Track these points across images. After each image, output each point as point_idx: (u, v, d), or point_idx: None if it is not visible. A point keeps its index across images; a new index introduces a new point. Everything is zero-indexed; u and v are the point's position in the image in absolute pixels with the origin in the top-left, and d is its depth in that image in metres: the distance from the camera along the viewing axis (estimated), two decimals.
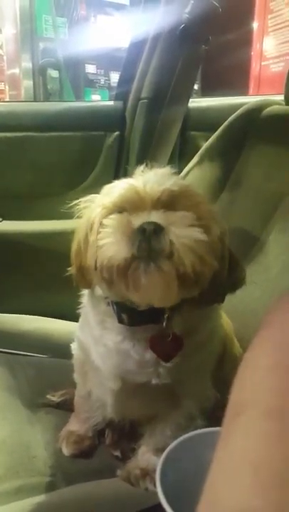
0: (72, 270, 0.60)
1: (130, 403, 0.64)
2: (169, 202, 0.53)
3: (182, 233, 0.50)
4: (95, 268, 0.53)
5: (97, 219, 0.55)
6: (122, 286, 0.51)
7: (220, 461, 0.27)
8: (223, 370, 0.66)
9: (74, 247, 0.59)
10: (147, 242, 0.49)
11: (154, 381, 0.59)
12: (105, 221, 0.53)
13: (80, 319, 0.67)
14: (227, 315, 0.77)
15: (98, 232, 0.53)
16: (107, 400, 0.65)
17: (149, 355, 0.58)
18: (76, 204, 0.61)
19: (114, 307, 0.58)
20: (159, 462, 0.47)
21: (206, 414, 0.63)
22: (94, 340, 0.63)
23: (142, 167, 0.58)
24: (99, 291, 0.60)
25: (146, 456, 0.65)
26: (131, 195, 0.53)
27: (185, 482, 0.46)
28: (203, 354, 0.61)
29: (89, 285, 0.59)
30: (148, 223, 0.50)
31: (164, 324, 0.56)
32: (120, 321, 0.58)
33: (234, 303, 0.83)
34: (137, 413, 0.67)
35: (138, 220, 0.51)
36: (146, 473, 0.63)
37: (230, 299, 0.84)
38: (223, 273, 0.55)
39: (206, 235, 0.51)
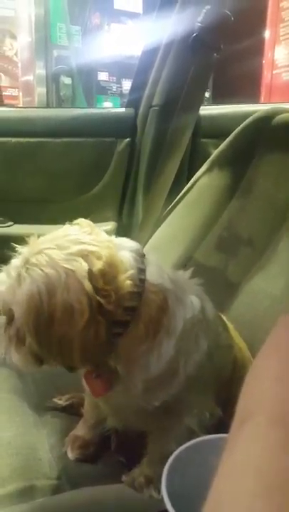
0: None
1: (128, 417, 0.65)
2: None
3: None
4: None
5: None
6: None
7: (225, 467, 0.27)
8: (231, 392, 0.63)
9: None
10: None
11: (142, 404, 0.58)
12: None
13: None
14: (236, 322, 0.77)
15: None
16: (105, 409, 0.66)
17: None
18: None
19: None
20: (164, 468, 0.47)
21: (209, 430, 0.61)
22: None
23: None
24: None
25: (151, 464, 0.65)
26: None
27: (190, 488, 0.45)
28: (177, 382, 0.58)
29: None
30: None
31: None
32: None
33: (243, 310, 0.83)
34: (137, 424, 0.67)
35: None
36: (151, 481, 0.63)
37: (238, 307, 0.85)
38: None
39: None
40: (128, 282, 0.52)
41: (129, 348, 0.55)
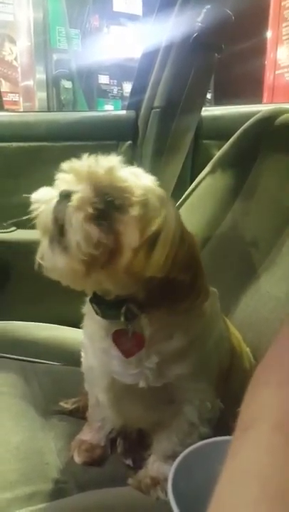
0: None
1: (125, 405, 0.64)
2: (106, 187, 0.52)
3: (75, 211, 0.50)
4: None
5: None
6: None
7: (227, 474, 0.28)
8: (230, 383, 0.66)
9: None
10: (61, 211, 0.50)
11: (140, 384, 0.59)
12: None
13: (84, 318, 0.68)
14: (240, 325, 0.77)
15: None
16: (105, 400, 0.65)
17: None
18: None
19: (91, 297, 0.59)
20: (170, 471, 0.47)
21: (211, 423, 0.63)
22: (88, 338, 0.64)
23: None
24: None
25: (156, 465, 0.65)
26: (69, 171, 0.55)
27: (196, 491, 0.45)
28: (190, 360, 0.59)
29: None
30: (65, 190, 0.51)
31: (123, 318, 0.56)
32: (96, 312, 0.59)
33: (248, 313, 0.83)
34: (137, 418, 0.67)
35: (68, 187, 0.52)
36: (157, 482, 0.63)
37: (244, 309, 0.85)
38: (174, 276, 0.52)
39: (116, 215, 0.51)
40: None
41: (163, 313, 0.56)
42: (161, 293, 0.53)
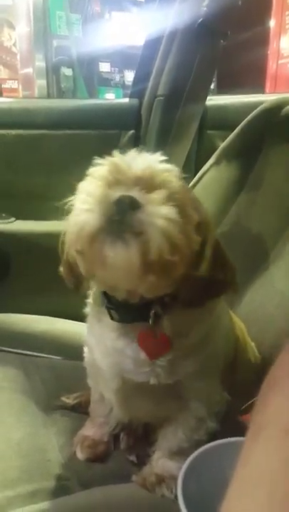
0: (62, 271, 0.59)
1: (135, 404, 0.64)
2: (150, 183, 0.51)
3: (157, 212, 0.48)
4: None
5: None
6: (89, 259, 0.50)
7: (238, 478, 0.28)
8: (234, 374, 0.65)
9: (62, 236, 0.57)
10: (120, 214, 0.48)
11: (152, 381, 0.58)
12: (82, 185, 0.52)
13: (87, 319, 0.67)
14: (245, 320, 0.76)
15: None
16: (113, 400, 0.65)
17: (144, 354, 0.58)
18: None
19: (105, 302, 0.58)
20: (180, 472, 0.46)
21: (219, 417, 0.62)
22: (96, 339, 0.63)
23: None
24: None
25: (161, 462, 0.64)
26: (112, 172, 0.52)
27: (206, 492, 0.45)
28: (202, 356, 0.60)
29: (77, 281, 0.58)
30: (124, 196, 0.48)
31: (151, 322, 0.56)
32: (111, 317, 0.58)
33: (253, 308, 0.81)
34: (145, 415, 0.67)
35: (116, 193, 0.49)
36: (162, 480, 0.62)
37: (249, 304, 0.84)
38: (202, 270, 0.53)
39: (183, 220, 0.50)
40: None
41: (182, 311, 0.57)
42: (204, 291, 0.54)
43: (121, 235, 0.47)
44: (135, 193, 0.49)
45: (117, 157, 0.54)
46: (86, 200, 0.50)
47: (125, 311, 0.57)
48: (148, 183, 0.51)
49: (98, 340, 0.62)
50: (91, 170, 0.54)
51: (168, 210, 0.49)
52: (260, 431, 0.30)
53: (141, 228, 0.47)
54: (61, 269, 0.59)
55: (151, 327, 0.56)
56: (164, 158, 0.55)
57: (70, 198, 0.55)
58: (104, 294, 0.58)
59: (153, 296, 0.55)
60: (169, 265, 0.49)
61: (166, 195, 0.50)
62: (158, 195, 0.50)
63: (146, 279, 0.49)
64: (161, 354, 0.57)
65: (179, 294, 0.54)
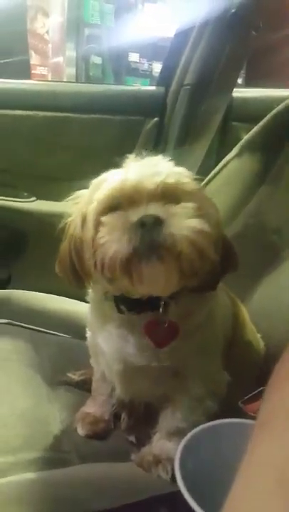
0: (58, 269, 0.59)
1: (136, 384, 0.65)
2: (166, 193, 0.52)
3: (183, 225, 0.49)
4: (95, 266, 0.52)
5: (92, 215, 0.54)
6: (125, 282, 0.51)
7: (245, 466, 0.28)
8: (232, 353, 0.66)
9: (64, 244, 0.58)
10: (148, 235, 0.49)
11: (153, 364, 0.59)
12: (104, 219, 0.52)
13: (90, 303, 0.68)
14: (255, 313, 0.76)
15: (96, 230, 0.52)
16: (115, 380, 0.66)
17: (146, 340, 0.58)
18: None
19: (113, 299, 0.59)
20: (178, 450, 0.46)
21: (218, 399, 0.62)
22: (98, 324, 0.64)
23: (132, 156, 0.57)
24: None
25: (160, 443, 0.65)
26: (126, 189, 0.52)
27: (204, 472, 0.45)
28: (202, 336, 0.61)
29: (82, 283, 0.58)
30: (147, 216, 0.49)
31: (162, 310, 0.56)
32: (119, 311, 0.58)
33: (265, 302, 0.81)
34: (145, 394, 0.67)
35: (136, 215, 0.50)
36: (159, 461, 0.63)
37: (260, 298, 0.83)
38: (217, 260, 0.54)
39: (207, 225, 0.51)
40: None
41: (190, 295, 0.57)
42: (216, 276, 0.56)
43: (153, 252, 0.49)
44: (155, 210, 0.50)
45: (124, 170, 0.54)
46: (109, 232, 0.51)
47: (133, 304, 0.57)
48: (164, 195, 0.52)
49: (101, 325, 0.63)
50: (97, 187, 0.55)
51: (193, 221, 0.50)
52: (270, 419, 0.30)
53: (170, 242, 0.49)
54: (57, 267, 0.59)
55: (161, 315, 0.57)
56: (170, 161, 0.56)
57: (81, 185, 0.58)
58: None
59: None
60: (198, 269, 0.50)
61: (186, 203, 0.52)
62: (181, 208, 0.51)
63: (179, 284, 0.52)
64: (168, 342, 0.58)
65: (199, 284, 0.54)
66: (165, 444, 0.64)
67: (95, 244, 0.52)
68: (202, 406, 0.61)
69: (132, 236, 0.49)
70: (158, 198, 0.52)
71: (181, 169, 0.56)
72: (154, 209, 0.50)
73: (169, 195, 0.52)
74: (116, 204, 0.53)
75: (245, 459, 0.28)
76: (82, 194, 0.60)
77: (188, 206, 0.51)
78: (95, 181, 0.58)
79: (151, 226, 0.49)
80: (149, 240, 0.49)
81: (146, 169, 0.53)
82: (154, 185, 0.52)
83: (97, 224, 0.53)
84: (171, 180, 0.53)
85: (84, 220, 0.55)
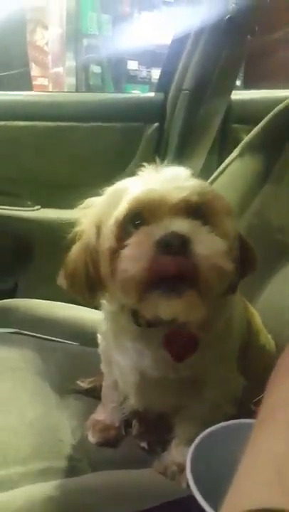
0: (61, 279, 0.56)
1: (152, 395, 0.64)
2: (189, 209, 0.49)
3: (210, 249, 0.46)
4: (110, 278, 0.50)
5: (112, 225, 0.50)
6: (139, 306, 0.49)
7: (246, 460, 0.28)
8: (247, 359, 0.64)
9: (76, 254, 0.54)
10: (173, 260, 0.45)
11: (172, 376, 0.58)
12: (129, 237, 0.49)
13: (104, 313, 0.66)
14: (263, 313, 0.75)
15: (116, 242, 0.49)
16: (129, 391, 0.65)
17: (163, 352, 0.56)
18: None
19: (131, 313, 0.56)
20: (188, 454, 0.46)
21: (235, 402, 0.62)
22: (115, 337, 0.63)
23: (152, 166, 0.54)
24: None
25: (179, 449, 0.63)
26: (150, 201, 0.49)
27: (216, 473, 0.44)
28: (221, 344, 0.59)
29: (95, 294, 0.56)
30: (172, 235, 0.46)
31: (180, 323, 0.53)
32: (137, 323, 0.56)
33: (272, 301, 0.80)
34: (161, 404, 0.66)
35: (159, 231, 0.47)
36: (184, 469, 0.61)
37: (268, 297, 0.82)
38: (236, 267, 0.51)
39: (227, 242, 0.48)
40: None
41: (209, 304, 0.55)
42: (235, 281, 0.54)
43: (176, 285, 0.46)
44: (180, 226, 0.47)
45: (146, 180, 0.51)
46: (132, 248, 0.48)
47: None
48: (188, 210, 0.49)
49: (116, 337, 0.62)
50: (113, 196, 0.52)
51: (218, 243, 0.47)
52: (270, 414, 0.30)
53: (197, 273, 0.46)
54: (61, 280, 0.56)
55: (180, 328, 0.54)
56: (188, 172, 0.53)
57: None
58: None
59: None
60: (218, 290, 0.49)
61: (209, 219, 0.49)
62: (205, 227, 0.48)
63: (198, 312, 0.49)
64: (188, 356, 0.55)
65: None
66: (186, 451, 0.62)
67: (113, 256, 0.49)
68: (221, 411, 0.60)
69: (154, 257, 0.46)
70: (181, 213, 0.49)
71: (203, 183, 0.53)
72: (178, 225, 0.47)
73: (192, 210, 0.49)
74: (137, 216, 0.50)
75: (247, 452, 0.29)
76: (93, 202, 0.57)
77: (212, 224, 0.49)
78: (111, 189, 0.55)
79: (176, 248, 0.45)
80: (174, 266, 0.45)
81: (170, 181, 0.50)
82: (178, 200, 0.49)
83: (118, 236, 0.49)
84: (195, 195, 0.49)
85: (99, 230, 0.52)
